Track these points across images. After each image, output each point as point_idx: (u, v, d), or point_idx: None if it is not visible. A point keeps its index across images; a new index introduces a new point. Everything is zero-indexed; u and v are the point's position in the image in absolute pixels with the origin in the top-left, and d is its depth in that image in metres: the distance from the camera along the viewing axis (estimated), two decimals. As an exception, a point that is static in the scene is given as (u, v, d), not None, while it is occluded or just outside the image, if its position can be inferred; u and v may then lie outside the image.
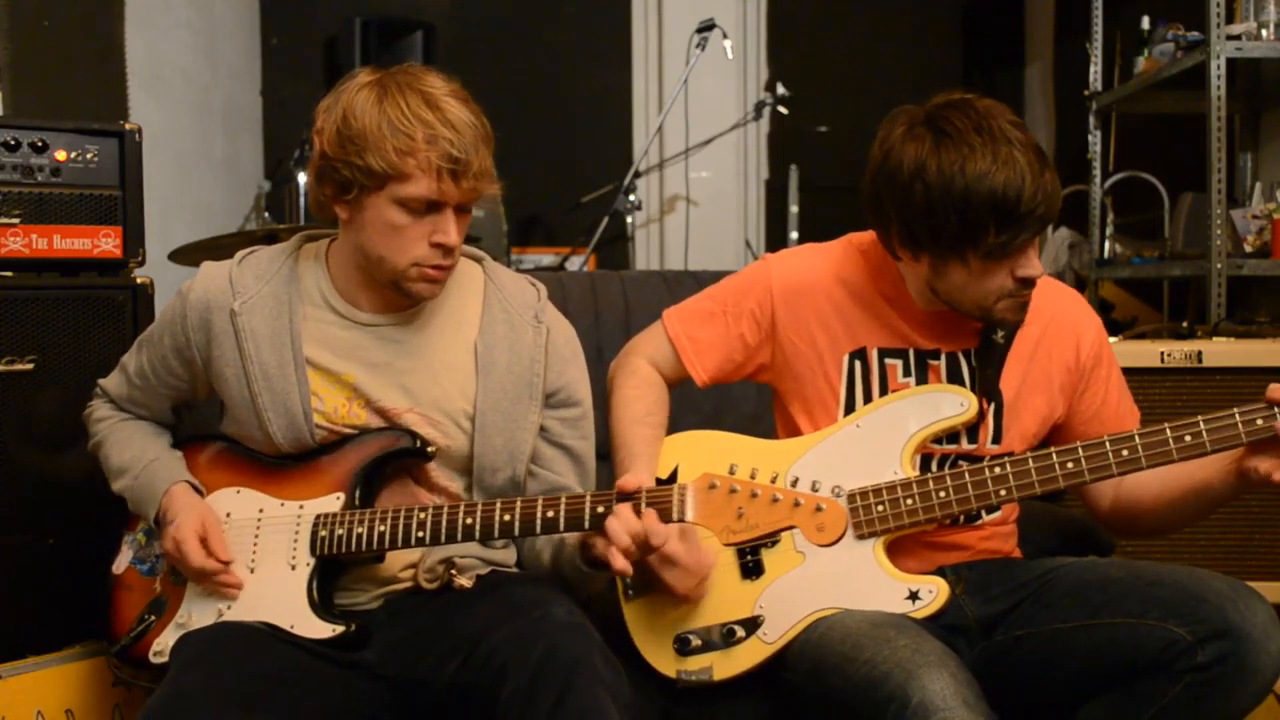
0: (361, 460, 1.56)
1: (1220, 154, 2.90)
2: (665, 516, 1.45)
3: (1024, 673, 1.55)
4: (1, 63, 2.81)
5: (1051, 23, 4.82)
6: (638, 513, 1.45)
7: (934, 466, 1.66)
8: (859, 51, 5.04)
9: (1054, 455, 1.54)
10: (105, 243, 2.01)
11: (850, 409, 1.68)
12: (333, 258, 1.62)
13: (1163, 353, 2.41)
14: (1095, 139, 3.82)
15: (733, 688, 1.60)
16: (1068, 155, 4.35)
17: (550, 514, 1.49)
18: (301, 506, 1.57)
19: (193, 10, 4.06)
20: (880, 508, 1.58)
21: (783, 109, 4.34)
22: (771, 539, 1.59)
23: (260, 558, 1.56)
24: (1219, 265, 2.90)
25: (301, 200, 4.00)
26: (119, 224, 2.02)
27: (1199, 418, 1.49)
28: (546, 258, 4.60)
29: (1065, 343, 1.70)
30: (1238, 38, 2.91)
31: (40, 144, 1.95)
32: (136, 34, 3.58)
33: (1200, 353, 2.40)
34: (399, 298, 1.58)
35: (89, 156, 1.99)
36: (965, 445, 1.66)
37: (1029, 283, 1.56)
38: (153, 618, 1.59)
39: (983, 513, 1.67)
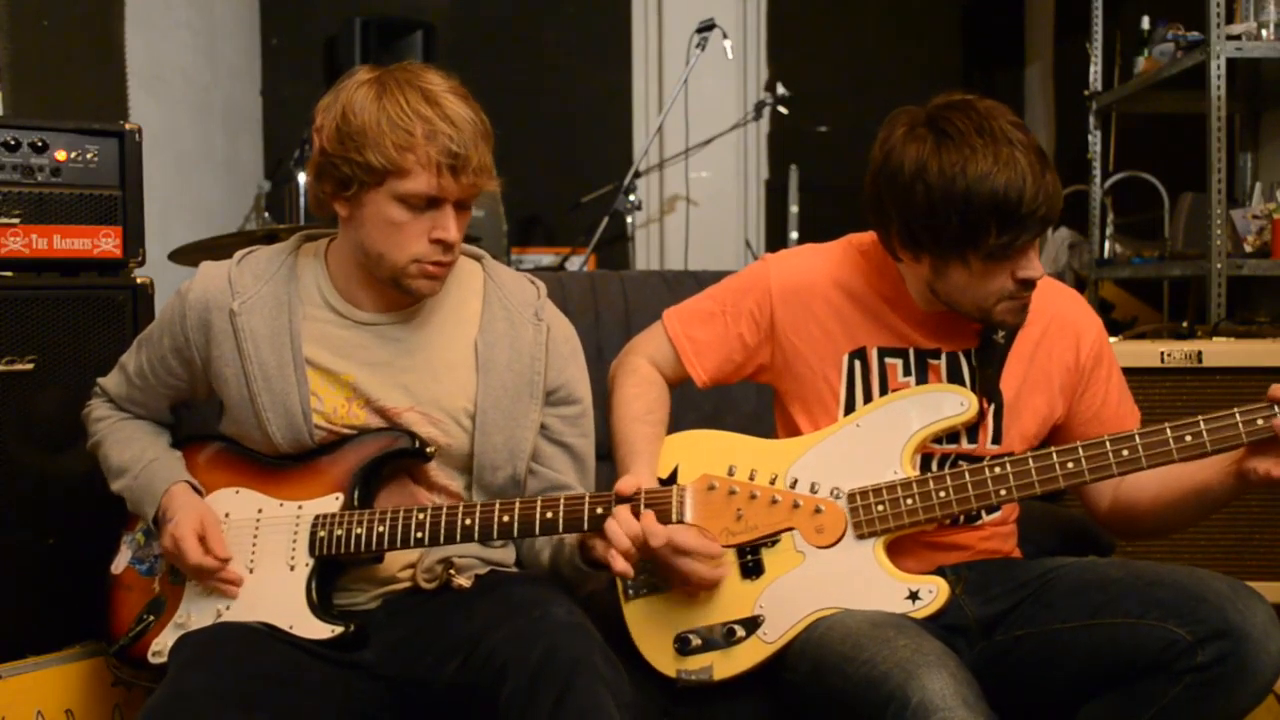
0: (360, 460, 1.56)
1: (1220, 154, 2.90)
2: (664, 518, 1.46)
3: (1024, 673, 1.55)
4: (1, 63, 2.81)
5: (1051, 23, 4.82)
6: (636, 514, 1.45)
7: (934, 466, 1.66)
8: (859, 51, 5.04)
9: (1054, 455, 1.54)
10: (105, 243, 2.01)
11: (850, 409, 1.68)
12: (332, 257, 1.62)
13: (1163, 353, 2.41)
14: (1095, 139, 3.82)
15: (732, 687, 1.60)
16: (1068, 155, 4.35)
17: (549, 515, 1.49)
18: (300, 507, 1.57)
19: (193, 10, 4.06)
20: (880, 507, 1.58)
21: (783, 109, 4.34)
22: (771, 539, 1.59)
23: (259, 558, 1.56)
24: (1219, 265, 2.90)
25: (301, 200, 4.00)
26: (119, 224, 2.02)
27: (1199, 418, 1.49)
28: (546, 258, 4.60)
29: (1065, 343, 1.70)
30: (1238, 38, 2.91)
31: (40, 144, 1.95)
32: (136, 34, 3.58)
33: (1200, 353, 2.40)
34: (399, 296, 1.58)
35: (89, 156, 2.00)
36: (965, 445, 1.66)
37: (1029, 284, 1.56)
38: (151, 618, 1.59)
39: (983, 513, 1.67)
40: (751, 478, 1.59)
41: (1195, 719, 1.40)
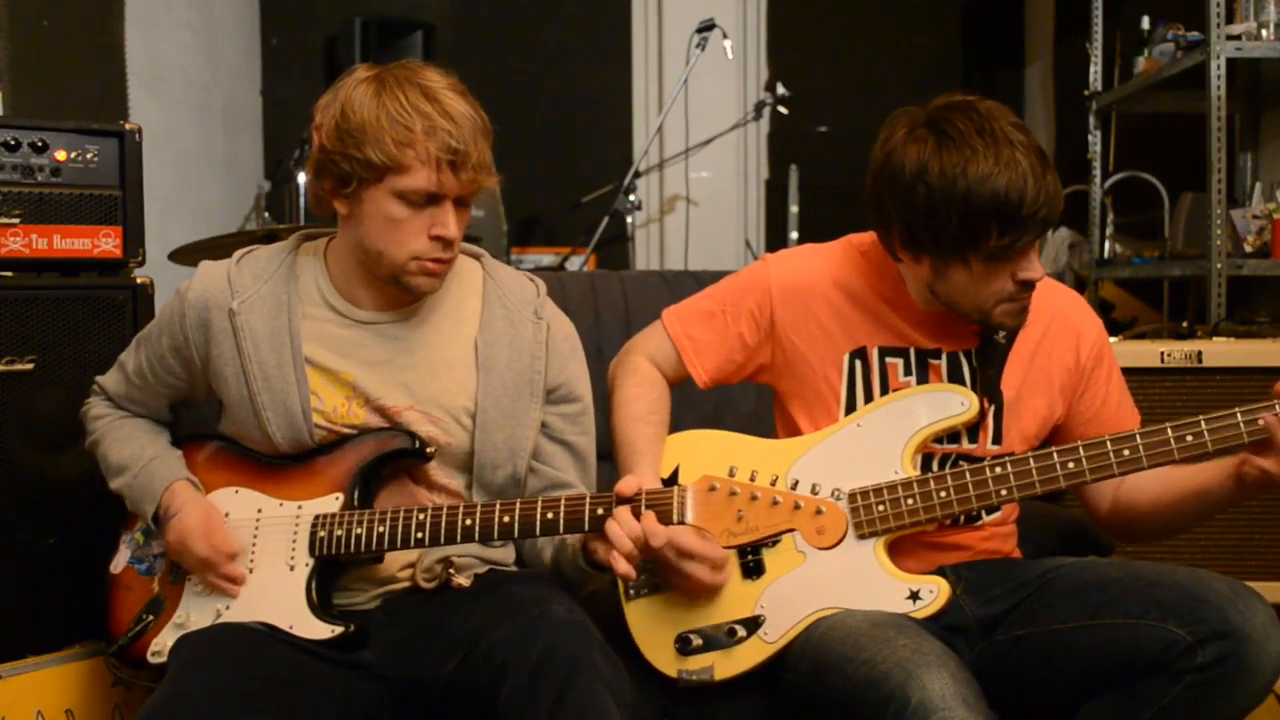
0: (360, 460, 1.56)
1: (1220, 154, 2.90)
2: (665, 519, 1.45)
3: (1024, 673, 1.55)
4: (1, 63, 2.81)
5: (1051, 23, 4.82)
6: (637, 515, 1.45)
7: (935, 466, 1.66)
8: (859, 51, 5.04)
9: (1055, 455, 1.54)
10: (105, 243, 2.01)
11: (851, 408, 1.68)
12: (331, 256, 1.62)
13: (1163, 353, 2.41)
14: (1095, 139, 3.82)
15: (733, 687, 1.60)
16: (1068, 155, 4.35)
17: (550, 516, 1.49)
18: (300, 507, 1.57)
19: (193, 10, 4.06)
20: (881, 507, 1.58)
21: (783, 109, 4.34)
22: (772, 540, 1.59)
23: (259, 558, 1.56)
24: (1219, 265, 2.90)
25: (301, 200, 4.00)
26: (119, 224, 2.02)
27: (1200, 417, 1.49)
28: (546, 258, 4.60)
29: (1066, 343, 1.70)
30: (1238, 38, 2.91)
31: (40, 144, 1.95)
32: (136, 34, 3.58)
33: (1200, 353, 2.40)
34: (398, 294, 1.58)
35: (89, 156, 1.99)
36: (966, 445, 1.66)
37: (1029, 285, 1.57)
38: (150, 618, 1.59)
39: (983, 513, 1.67)
40: (752, 478, 1.59)
41: (1195, 719, 1.40)
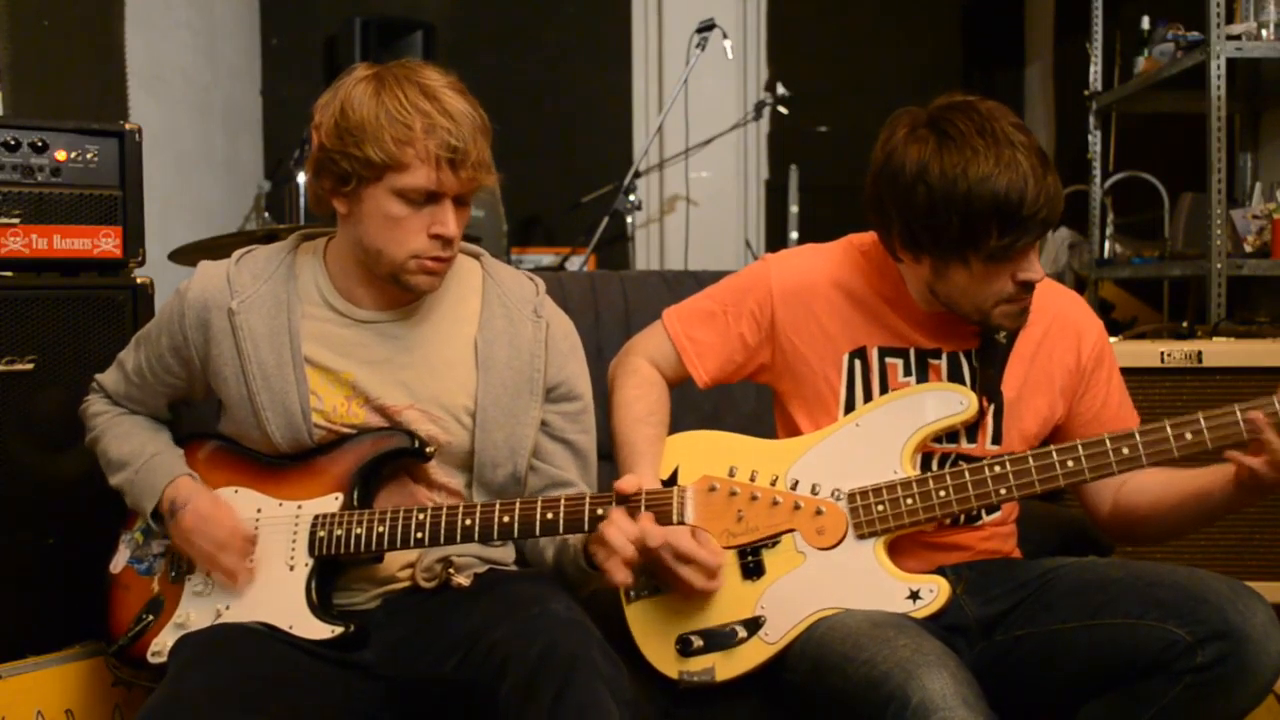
0: (359, 460, 1.56)
1: (1220, 154, 2.90)
2: (665, 519, 1.45)
3: (1024, 673, 1.55)
4: (1, 63, 2.81)
5: (1051, 23, 4.82)
6: (634, 516, 1.45)
7: (934, 465, 1.66)
8: (859, 51, 5.03)
9: (1054, 454, 1.54)
10: (105, 243, 2.01)
11: (850, 409, 1.68)
12: (330, 255, 1.62)
13: (1163, 353, 2.41)
14: (1095, 139, 3.82)
15: (733, 688, 1.60)
16: (1068, 155, 4.35)
17: (549, 516, 1.49)
18: (300, 507, 1.57)
19: (193, 10, 4.06)
20: (880, 507, 1.58)
21: (783, 109, 4.34)
22: (772, 540, 1.59)
23: (259, 558, 1.56)
24: (1219, 265, 2.90)
25: (301, 200, 4.00)
26: (119, 224, 2.02)
27: (1199, 414, 1.49)
28: (546, 258, 4.60)
29: (1067, 344, 1.70)
30: (1238, 38, 2.91)
31: (40, 144, 1.95)
32: (136, 34, 3.58)
33: (1200, 353, 2.40)
34: (398, 293, 1.58)
35: (89, 156, 1.99)
36: (965, 445, 1.66)
37: (1029, 286, 1.57)
38: (150, 618, 1.59)
39: (983, 513, 1.67)
40: (752, 479, 1.59)
41: (1195, 719, 1.40)
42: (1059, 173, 1.53)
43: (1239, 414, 1.48)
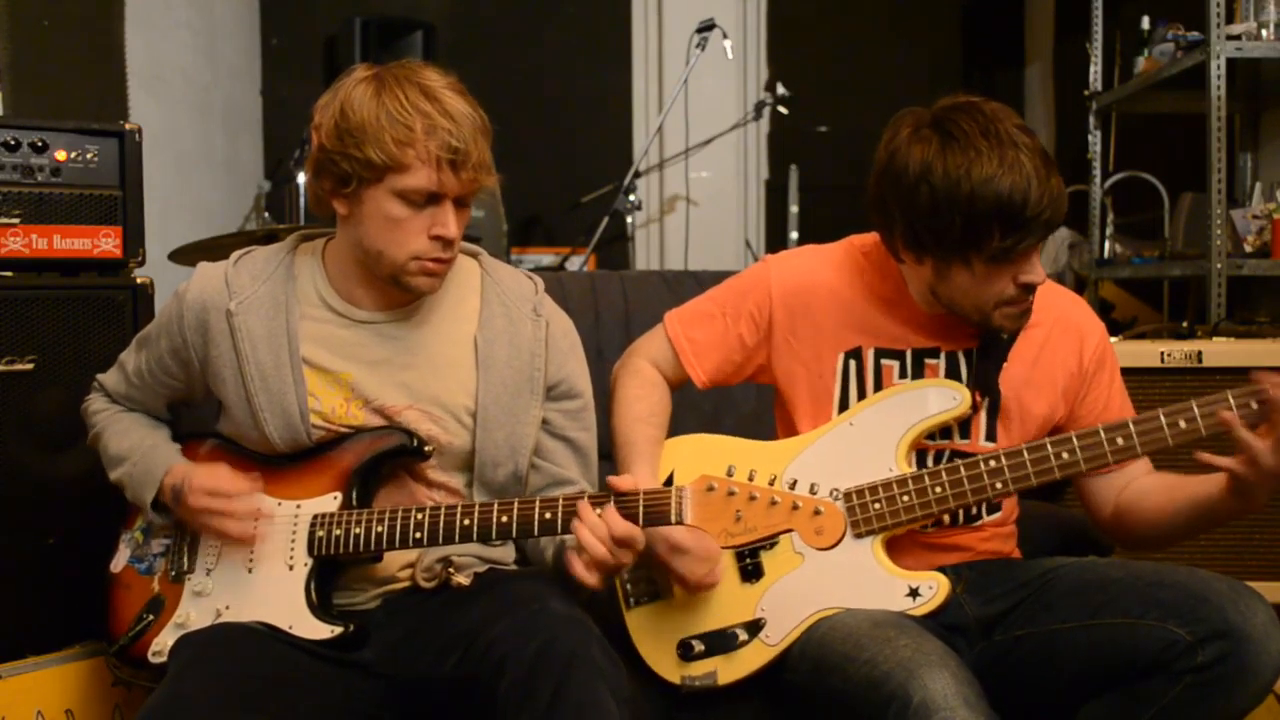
0: (358, 459, 1.56)
1: (1220, 154, 2.90)
2: (664, 519, 1.45)
3: (1024, 673, 1.54)
4: (1, 63, 2.81)
5: (1051, 23, 4.82)
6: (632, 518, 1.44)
7: (929, 462, 1.66)
8: (859, 51, 5.03)
9: (1049, 446, 1.55)
10: (105, 243, 2.01)
11: (845, 409, 1.68)
12: (330, 256, 1.62)
13: (1163, 353, 2.41)
14: (1095, 139, 3.81)
15: (734, 690, 1.60)
16: (1068, 155, 4.34)
17: (548, 516, 1.48)
18: (299, 506, 1.57)
19: (193, 10, 4.06)
20: (877, 505, 1.58)
21: (783, 109, 4.34)
22: (770, 541, 1.59)
23: (258, 558, 1.56)
24: (1219, 265, 2.90)
25: (301, 200, 4.00)
26: (119, 224, 2.02)
27: (1192, 400, 1.50)
28: (546, 258, 4.60)
29: (1069, 346, 1.70)
30: (1238, 38, 2.91)
31: (40, 144, 1.95)
32: (136, 34, 3.58)
33: (1200, 353, 2.40)
34: (397, 294, 1.58)
35: (89, 156, 1.99)
36: (958, 441, 1.66)
37: (1030, 289, 1.56)
38: (151, 617, 1.59)
39: (983, 512, 1.67)
40: (750, 478, 1.59)
41: (1195, 719, 1.40)
42: (1059, 173, 1.53)
43: (1232, 401, 1.48)
